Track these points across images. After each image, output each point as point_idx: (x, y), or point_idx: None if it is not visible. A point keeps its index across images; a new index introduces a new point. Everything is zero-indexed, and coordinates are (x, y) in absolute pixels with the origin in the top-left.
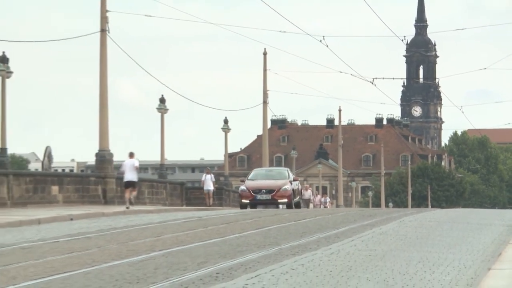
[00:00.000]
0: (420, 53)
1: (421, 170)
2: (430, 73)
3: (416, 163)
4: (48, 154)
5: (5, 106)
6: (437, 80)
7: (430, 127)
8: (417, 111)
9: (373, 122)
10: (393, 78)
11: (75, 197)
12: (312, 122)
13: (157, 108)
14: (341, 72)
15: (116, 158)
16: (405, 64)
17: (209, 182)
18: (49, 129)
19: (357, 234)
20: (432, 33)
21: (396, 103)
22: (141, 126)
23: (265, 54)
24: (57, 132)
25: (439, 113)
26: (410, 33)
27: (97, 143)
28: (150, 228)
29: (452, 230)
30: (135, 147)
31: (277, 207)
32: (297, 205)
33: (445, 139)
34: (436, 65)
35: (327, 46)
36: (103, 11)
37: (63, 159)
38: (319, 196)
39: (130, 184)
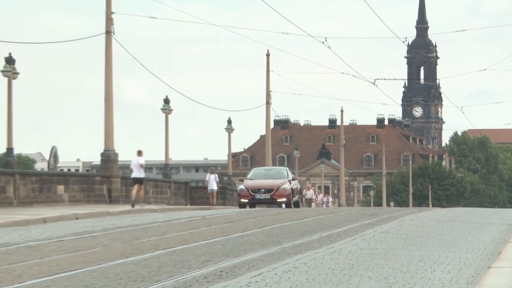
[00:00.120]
0: (421, 54)
1: (422, 169)
2: (431, 74)
3: (417, 163)
4: (54, 154)
5: (12, 107)
6: (437, 81)
7: (431, 127)
8: (418, 111)
9: (374, 123)
10: (395, 79)
11: (81, 197)
12: (315, 122)
13: (161, 109)
14: (343, 73)
15: (121, 158)
16: (406, 65)
17: (213, 182)
18: (55, 129)
19: (359, 233)
20: (432, 35)
21: (397, 104)
22: (145, 126)
23: (268, 55)
24: (63, 132)
25: (439, 114)
26: (411, 34)
27: (102, 143)
28: (155, 227)
29: (452, 229)
30: (140, 147)
31: (280, 206)
32: (296, 205)
33: (445, 139)
34: (437, 66)
35: (329, 47)
36: (108, 13)
37: (68, 159)
38: (321, 195)
39: (136, 181)
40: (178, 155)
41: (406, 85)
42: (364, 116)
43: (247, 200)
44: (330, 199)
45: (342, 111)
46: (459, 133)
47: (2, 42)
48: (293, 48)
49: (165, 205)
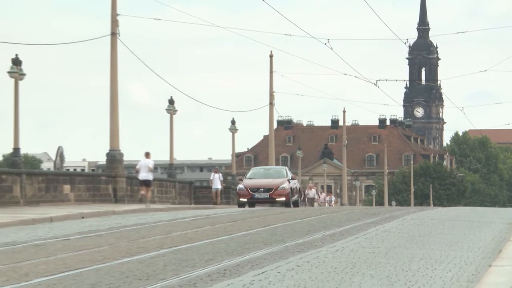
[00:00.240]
0: (422, 55)
1: (423, 169)
2: (432, 75)
3: (418, 163)
4: (60, 154)
5: (18, 107)
6: (438, 82)
7: (432, 127)
8: (419, 112)
9: (376, 123)
10: (396, 80)
11: (86, 196)
12: (317, 122)
13: (166, 109)
14: (345, 74)
15: (126, 158)
16: (408, 66)
17: (217, 181)
18: (61, 130)
19: (361, 232)
20: (434, 36)
21: (399, 104)
22: (150, 127)
23: (271, 56)
24: (69, 132)
25: (440, 114)
26: (413, 36)
27: (108, 143)
28: (160, 226)
29: (453, 228)
30: (145, 147)
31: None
32: (296, 204)
33: (446, 139)
34: (438, 67)
35: (332, 49)
36: (114, 15)
37: (74, 159)
38: (323, 195)
39: (145, 183)
40: (182, 155)
41: (408, 86)
42: (366, 116)
43: (246, 199)
44: (333, 198)
45: (344, 111)
46: (460, 133)
47: (9, 43)
48: (296, 49)
49: (170, 204)
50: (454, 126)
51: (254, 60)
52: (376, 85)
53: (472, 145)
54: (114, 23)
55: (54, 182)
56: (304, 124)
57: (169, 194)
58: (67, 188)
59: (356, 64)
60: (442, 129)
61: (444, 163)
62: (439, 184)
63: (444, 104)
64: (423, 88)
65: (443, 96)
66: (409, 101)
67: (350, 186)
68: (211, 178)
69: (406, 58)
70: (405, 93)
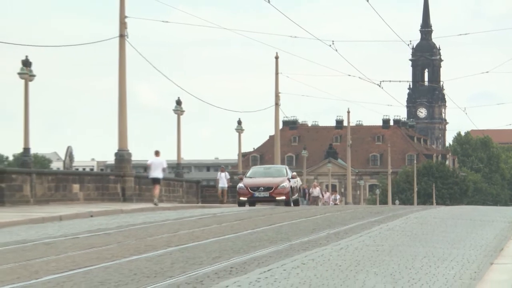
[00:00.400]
0: (425, 57)
1: (426, 169)
2: (435, 76)
3: (421, 162)
4: (69, 154)
5: (28, 108)
6: (441, 83)
7: (435, 127)
8: (422, 112)
9: (380, 123)
10: (400, 81)
11: (95, 195)
12: (322, 123)
13: (173, 110)
14: (349, 75)
15: (134, 157)
16: (411, 67)
17: (223, 180)
18: (70, 130)
19: (365, 230)
20: (436, 38)
21: (402, 105)
22: (158, 127)
23: (277, 58)
24: (78, 132)
25: (443, 115)
26: (416, 38)
27: (116, 143)
28: (167, 225)
29: (456, 226)
30: (153, 147)
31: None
32: (296, 203)
33: (449, 139)
34: (441, 68)
35: (336, 50)
36: (122, 17)
37: (83, 159)
38: (328, 194)
39: (156, 181)
40: (190, 155)
41: (411, 87)
42: (370, 117)
43: (246, 198)
44: (338, 196)
45: (348, 112)
46: (462, 134)
47: (19, 45)
48: (301, 51)
49: (177, 203)
50: (457, 127)
51: (260, 61)
52: (380, 86)
53: (474, 145)
54: (123, 25)
55: (64, 182)
56: (309, 125)
57: (176, 193)
58: (76, 187)
59: (360, 65)
60: (444, 129)
61: (447, 162)
62: (441, 183)
63: (446, 104)
64: (426, 89)
65: (446, 97)
66: (412, 102)
67: (354, 185)
68: (218, 177)
69: (410, 60)
70: (409, 94)
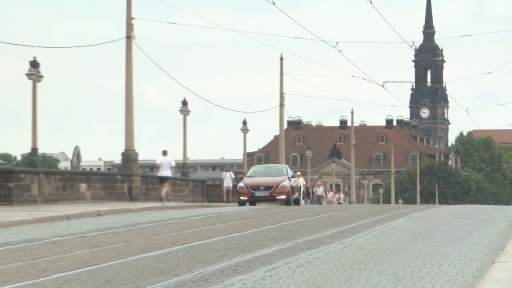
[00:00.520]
0: (428, 58)
1: (429, 168)
2: (438, 77)
3: (424, 162)
4: (76, 154)
5: (36, 108)
6: (444, 83)
7: (437, 128)
8: (425, 113)
9: (383, 123)
10: (403, 82)
11: (102, 194)
12: (326, 123)
13: (179, 110)
14: (353, 76)
15: (141, 157)
16: (414, 68)
17: (228, 180)
18: (78, 130)
19: (369, 229)
20: (439, 39)
21: (405, 105)
22: (164, 127)
23: (281, 59)
24: (85, 132)
25: (446, 115)
26: (419, 39)
27: (123, 143)
28: (173, 224)
29: (458, 225)
30: (159, 147)
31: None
32: (296, 202)
33: (451, 139)
34: (443, 69)
35: (340, 51)
36: (129, 18)
37: (91, 158)
38: (331, 193)
39: (164, 180)
40: (195, 155)
41: (414, 87)
42: (374, 117)
43: (246, 198)
44: (342, 195)
45: (352, 112)
46: (465, 134)
47: (27, 46)
48: (305, 52)
49: (183, 203)
50: (459, 127)
51: (264, 62)
52: (383, 86)
53: (476, 145)
54: (129, 26)
55: (71, 181)
56: (314, 125)
57: (182, 193)
58: (83, 186)
59: (364, 66)
60: (447, 130)
61: (449, 162)
62: (444, 182)
63: (449, 105)
64: (429, 89)
65: (448, 97)
66: (415, 102)
67: (358, 184)
68: (223, 176)
69: (412, 61)
70: (411, 95)
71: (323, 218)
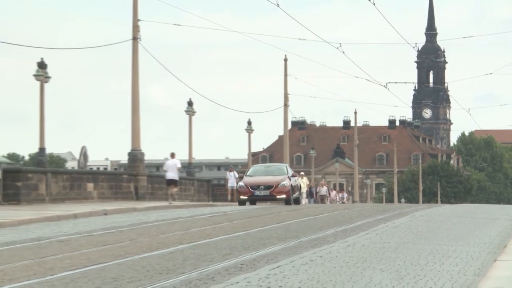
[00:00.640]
0: (430, 59)
1: (431, 168)
2: (440, 77)
3: (426, 162)
4: (83, 154)
5: (44, 109)
6: (446, 84)
7: (439, 128)
8: (427, 113)
9: (386, 124)
10: (405, 83)
11: (109, 194)
12: (330, 123)
13: (185, 111)
14: (356, 77)
15: (147, 157)
16: (416, 69)
17: (232, 179)
18: (85, 130)
19: (372, 228)
20: (441, 41)
21: (408, 106)
22: (170, 128)
23: (285, 60)
24: (92, 133)
25: (448, 115)
26: (421, 40)
27: (130, 143)
28: (179, 222)
29: (460, 224)
30: (165, 147)
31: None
32: (296, 201)
33: (453, 139)
34: (445, 70)
35: (344, 52)
36: (135, 20)
37: (97, 158)
38: (334, 192)
39: (172, 182)
40: (200, 155)
41: (416, 88)
42: (377, 117)
43: (246, 197)
44: (345, 195)
45: (355, 112)
46: (466, 134)
47: (35, 48)
48: (309, 53)
49: (189, 202)
50: (461, 127)
51: (269, 63)
52: (386, 87)
53: (478, 145)
54: (135, 28)
55: (78, 181)
56: (317, 125)
57: (188, 192)
58: (90, 186)
59: (367, 67)
60: (449, 130)
61: (451, 162)
62: (446, 182)
63: (451, 105)
64: (431, 90)
65: (450, 98)
66: (418, 103)
67: (361, 184)
68: (227, 176)
69: (415, 62)
70: (414, 95)
71: (326, 217)
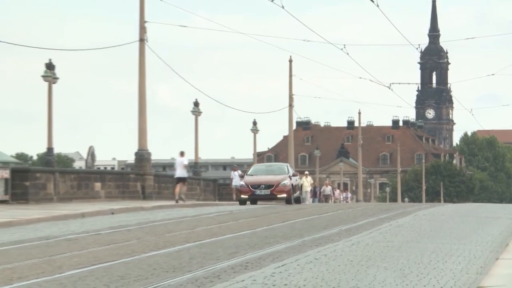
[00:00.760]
0: (433, 60)
1: (434, 168)
2: (443, 78)
3: (429, 162)
4: (91, 153)
5: (52, 109)
6: (449, 85)
7: (442, 128)
8: (430, 113)
9: (390, 124)
10: (409, 83)
11: (116, 193)
12: (334, 123)
13: (191, 111)
14: (360, 77)
15: (153, 157)
16: (419, 70)
17: (236, 178)
18: (92, 130)
19: (376, 227)
20: (444, 42)
21: (411, 106)
22: (176, 128)
23: (290, 61)
24: (100, 133)
25: (450, 115)
26: (424, 41)
27: (137, 143)
28: (186, 221)
29: (462, 223)
30: (172, 147)
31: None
32: (297, 200)
33: (456, 139)
34: (448, 71)
35: (348, 53)
36: (142, 22)
37: (105, 158)
38: (338, 191)
39: (180, 180)
40: (206, 154)
41: (419, 89)
42: (380, 117)
43: (247, 196)
44: (349, 194)
45: (359, 113)
46: (469, 134)
47: (43, 49)
48: (314, 54)
49: (195, 201)
50: (464, 127)
51: (274, 64)
52: (389, 88)
53: (481, 145)
54: (142, 29)
55: (86, 180)
56: (322, 125)
57: (194, 191)
58: (98, 185)
59: (371, 68)
60: (452, 130)
61: (454, 161)
62: (449, 181)
63: (454, 106)
64: (434, 91)
65: (453, 98)
66: (421, 103)
67: (365, 183)
68: (232, 176)
69: (418, 63)
70: (417, 96)
71: (331, 216)
